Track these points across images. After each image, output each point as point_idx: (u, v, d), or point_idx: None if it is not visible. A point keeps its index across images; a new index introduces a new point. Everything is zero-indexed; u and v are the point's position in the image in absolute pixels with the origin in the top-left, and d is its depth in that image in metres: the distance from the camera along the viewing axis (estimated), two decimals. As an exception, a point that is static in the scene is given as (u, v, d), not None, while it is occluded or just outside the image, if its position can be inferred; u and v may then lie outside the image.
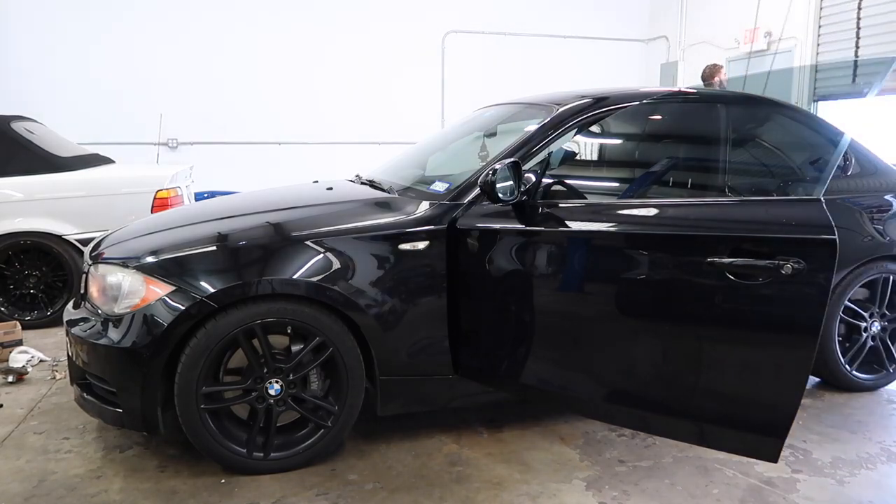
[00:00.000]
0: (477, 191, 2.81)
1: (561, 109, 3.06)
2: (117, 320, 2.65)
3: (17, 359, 3.92)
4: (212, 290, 2.56)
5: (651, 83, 10.49)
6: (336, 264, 2.70)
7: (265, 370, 2.66)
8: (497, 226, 2.77)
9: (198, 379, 2.57)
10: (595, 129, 3.22)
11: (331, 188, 3.50)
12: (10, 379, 3.76)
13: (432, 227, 2.78)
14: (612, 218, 2.81)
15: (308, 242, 2.72)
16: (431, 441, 3.04)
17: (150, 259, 2.70)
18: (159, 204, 4.97)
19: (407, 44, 9.52)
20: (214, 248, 2.74)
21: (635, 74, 10.58)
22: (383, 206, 3.08)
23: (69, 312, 3.01)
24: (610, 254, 2.72)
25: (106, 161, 5.61)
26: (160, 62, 8.63)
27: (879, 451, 2.97)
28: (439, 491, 2.62)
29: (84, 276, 3.01)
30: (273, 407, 2.69)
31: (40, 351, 4.14)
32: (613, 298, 2.70)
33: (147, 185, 5.01)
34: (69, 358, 2.91)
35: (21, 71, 8.22)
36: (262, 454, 2.70)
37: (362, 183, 3.57)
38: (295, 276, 2.63)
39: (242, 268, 2.67)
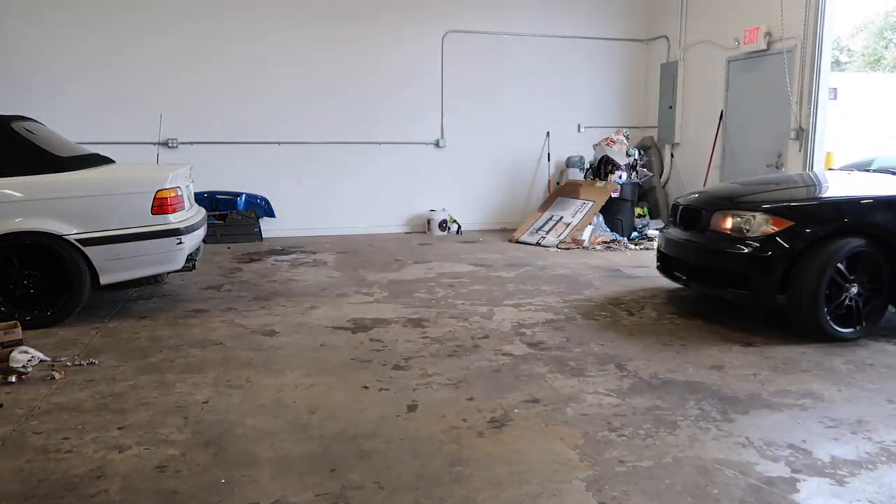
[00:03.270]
0: None
1: None
2: (754, 240, 4.66)
3: (17, 359, 3.92)
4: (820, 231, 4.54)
5: (651, 83, 10.50)
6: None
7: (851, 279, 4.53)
8: None
9: (817, 278, 4.45)
10: None
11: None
12: (11, 379, 3.76)
13: None
14: None
15: None
16: (431, 441, 3.04)
17: (768, 206, 4.77)
18: (159, 204, 4.97)
19: (407, 44, 9.53)
20: (816, 202, 5.01)
21: (635, 74, 10.59)
22: None
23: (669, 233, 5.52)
24: None
25: (106, 161, 5.61)
26: (160, 62, 8.63)
27: (879, 450, 2.97)
28: (439, 491, 2.62)
29: (702, 214, 5.13)
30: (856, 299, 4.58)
31: (40, 351, 4.14)
32: None
33: (147, 185, 5.01)
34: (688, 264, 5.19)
35: (21, 71, 8.22)
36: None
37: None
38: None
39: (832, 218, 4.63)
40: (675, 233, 5.46)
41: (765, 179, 6.20)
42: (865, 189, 5.04)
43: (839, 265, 4.46)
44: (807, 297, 4.47)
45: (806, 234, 4.51)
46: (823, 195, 5.24)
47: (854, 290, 4.52)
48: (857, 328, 4.55)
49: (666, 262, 5.60)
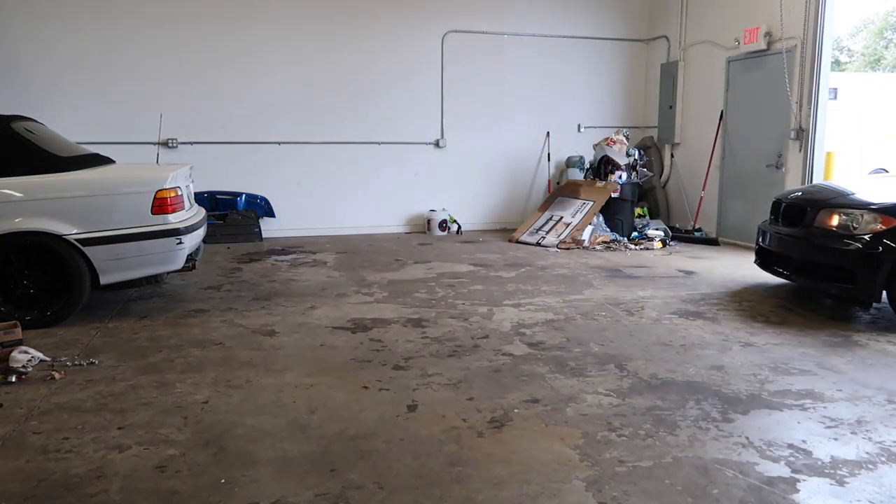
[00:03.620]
0: None
1: None
2: (862, 237, 4.90)
3: (17, 359, 3.92)
4: None
5: (651, 83, 10.50)
6: None
7: None
8: None
9: None
10: None
11: None
12: (11, 379, 3.76)
13: None
14: None
15: None
16: (431, 441, 3.04)
17: (880, 206, 5.00)
18: (159, 204, 4.97)
19: (407, 44, 9.53)
20: None
21: (635, 74, 10.59)
22: None
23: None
24: None
25: (106, 161, 5.61)
26: (160, 62, 8.63)
27: (879, 451, 2.97)
28: (439, 491, 2.62)
29: (807, 212, 5.38)
30: None
31: (40, 351, 4.14)
32: None
33: (147, 185, 5.01)
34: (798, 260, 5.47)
35: (21, 71, 8.22)
36: None
37: None
38: None
39: None
40: (776, 229, 5.71)
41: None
42: None
43: None
44: None
45: None
46: None
47: None
48: None
49: (766, 258, 5.89)
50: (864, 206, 5.04)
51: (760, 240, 5.97)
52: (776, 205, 5.87)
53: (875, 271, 4.78)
